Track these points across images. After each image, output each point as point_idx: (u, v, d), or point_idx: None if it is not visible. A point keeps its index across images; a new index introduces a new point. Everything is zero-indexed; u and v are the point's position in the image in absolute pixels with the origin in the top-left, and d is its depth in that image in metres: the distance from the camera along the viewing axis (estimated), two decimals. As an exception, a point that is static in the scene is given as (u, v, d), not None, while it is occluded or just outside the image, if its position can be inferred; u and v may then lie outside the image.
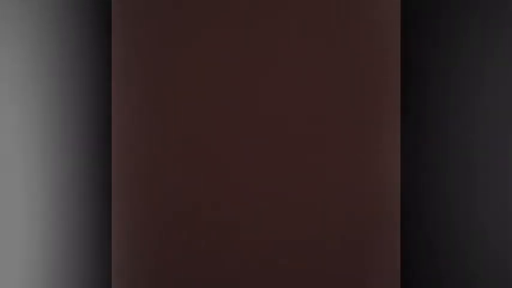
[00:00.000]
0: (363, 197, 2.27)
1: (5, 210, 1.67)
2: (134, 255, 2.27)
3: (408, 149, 2.27)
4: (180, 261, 2.27)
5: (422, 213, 2.24)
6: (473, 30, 2.08)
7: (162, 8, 2.27)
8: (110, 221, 2.25)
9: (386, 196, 2.28)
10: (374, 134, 2.27)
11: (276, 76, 2.28)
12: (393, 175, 2.28)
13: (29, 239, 1.78)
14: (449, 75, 2.17)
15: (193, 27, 2.27)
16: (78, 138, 2.04)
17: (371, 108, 2.28)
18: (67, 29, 1.98)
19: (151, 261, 2.27)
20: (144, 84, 2.27)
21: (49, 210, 1.88)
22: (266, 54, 2.27)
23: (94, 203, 2.15)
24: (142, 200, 2.27)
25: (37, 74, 1.81)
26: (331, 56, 2.27)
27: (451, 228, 2.16)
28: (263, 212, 2.27)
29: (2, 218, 1.65)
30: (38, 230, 1.82)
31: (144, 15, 2.28)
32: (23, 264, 1.75)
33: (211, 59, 2.27)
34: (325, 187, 2.27)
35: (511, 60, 1.95)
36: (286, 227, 2.28)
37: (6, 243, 1.67)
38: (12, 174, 1.70)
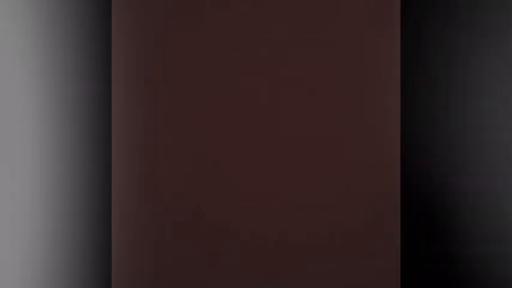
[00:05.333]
0: (363, 196, 2.28)
1: (5, 210, 1.67)
2: (134, 255, 2.27)
3: (408, 148, 2.27)
4: (180, 262, 2.27)
5: (423, 212, 2.24)
6: (473, 29, 2.08)
7: (162, 8, 2.27)
8: (110, 221, 2.25)
9: (387, 196, 2.28)
10: (374, 133, 2.28)
11: (276, 77, 2.28)
12: (393, 174, 2.28)
13: (28, 240, 1.78)
14: (450, 74, 2.17)
15: (194, 27, 2.27)
16: (78, 138, 2.04)
17: (371, 107, 2.28)
18: (67, 29, 1.98)
19: (151, 261, 2.27)
20: (144, 84, 2.27)
21: (49, 210, 1.88)
22: (267, 54, 2.27)
23: (94, 203, 2.15)
24: (142, 200, 2.27)
25: (37, 74, 1.82)
26: (330, 56, 2.28)
27: (451, 227, 2.16)
28: (263, 211, 2.27)
29: (2, 218, 1.66)
30: (37, 230, 1.82)
31: (144, 15, 2.28)
32: (23, 265, 1.75)
33: (212, 59, 2.27)
34: (326, 187, 2.27)
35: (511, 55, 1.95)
36: (286, 226, 2.28)
37: (5, 243, 1.67)
38: (12, 175, 1.70)
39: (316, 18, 2.27)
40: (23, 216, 1.75)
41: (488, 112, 2.03)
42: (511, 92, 1.96)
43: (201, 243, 2.27)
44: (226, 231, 2.27)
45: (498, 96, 2.00)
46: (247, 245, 2.27)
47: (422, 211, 2.24)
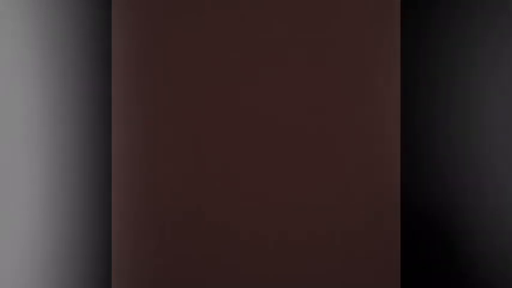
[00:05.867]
0: (363, 196, 2.28)
1: (5, 209, 1.67)
2: (134, 255, 2.27)
3: (408, 148, 2.27)
4: (180, 262, 2.27)
5: (423, 212, 2.24)
6: (474, 29, 2.08)
7: (162, 8, 2.27)
8: (110, 221, 2.25)
9: (387, 196, 2.28)
10: (374, 133, 2.28)
11: (276, 77, 2.28)
12: (393, 174, 2.28)
13: (28, 240, 1.78)
14: (450, 74, 2.17)
15: (194, 27, 2.27)
16: (78, 138, 2.04)
17: (371, 106, 2.28)
18: (67, 29, 1.98)
19: (151, 261, 2.27)
20: (144, 84, 2.27)
21: (48, 210, 1.88)
22: (267, 54, 2.27)
23: (94, 203, 2.15)
24: (142, 200, 2.27)
25: (36, 74, 1.82)
26: (330, 56, 2.28)
27: (451, 227, 2.16)
28: (263, 211, 2.27)
29: (2, 218, 1.66)
30: (37, 230, 1.82)
31: (144, 15, 2.28)
32: (23, 265, 1.75)
33: (212, 59, 2.27)
34: (326, 187, 2.27)
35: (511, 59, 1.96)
36: (286, 226, 2.28)
37: (5, 243, 1.67)
38: (12, 175, 1.70)
39: (316, 18, 2.27)
40: (23, 216, 1.75)
41: (489, 112, 2.03)
42: (511, 91, 1.96)
43: (201, 243, 2.27)
44: (226, 231, 2.27)
45: (498, 96, 2.00)
46: (247, 245, 2.27)
47: (422, 211, 2.24)
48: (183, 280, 2.27)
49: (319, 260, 2.27)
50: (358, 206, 2.27)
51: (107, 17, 2.24)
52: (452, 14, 2.14)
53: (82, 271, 2.06)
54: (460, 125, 2.13)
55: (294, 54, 2.27)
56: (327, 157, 2.27)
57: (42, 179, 1.84)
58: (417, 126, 2.25)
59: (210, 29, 2.27)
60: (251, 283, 2.27)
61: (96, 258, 2.16)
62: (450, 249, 2.16)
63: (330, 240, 2.27)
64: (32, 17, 1.79)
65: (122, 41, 2.27)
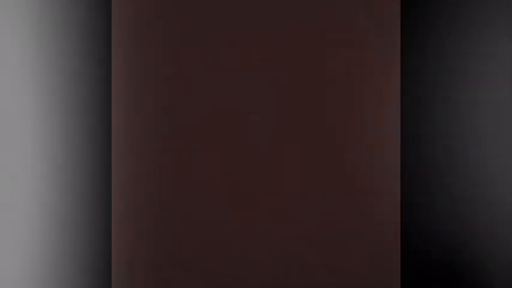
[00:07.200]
0: (363, 196, 2.27)
1: (5, 209, 1.67)
2: (134, 255, 2.27)
3: (408, 148, 2.27)
4: (180, 262, 2.27)
5: (423, 213, 2.24)
6: (474, 29, 2.08)
7: (162, 8, 2.27)
8: (110, 221, 2.25)
9: (387, 196, 2.28)
10: (374, 133, 2.28)
11: (276, 78, 2.28)
12: (393, 174, 2.28)
13: (28, 239, 1.78)
14: (450, 74, 2.17)
15: (194, 27, 2.27)
16: (78, 138, 2.04)
17: (371, 107, 2.28)
18: (66, 29, 1.98)
19: (151, 261, 2.27)
20: (144, 85, 2.27)
21: (49, 209, 1.88)
22: (268, 54, 2.28)
23: (94, 203, 2.15)
24: (142, 200, 2.26)
25: (37, 74, 1.82)
26: (330, 56, 2.28)
27: (452, 227, 2.16)
28: (262, 212, 2.27)
29: (2, 218, 1.65)
30: (38, 229, 1.82)
31: (144, 15, 2.28)
32: (23, 265, 1.75)
33: (213, 59, 2.27)
34: (326, 187, 2.27)
35: (510, 58, 1.96)
36: (285, 227, 2.27)
37: (5, 243, 1.67)
38: (12, 175, 1.70)
39: (315, 18, 2.27)
40: (23, 217, 1.75)
41: (490, 112, 2.04)
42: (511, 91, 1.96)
43: (201, 243, 2.27)
44: (226, 232, 2.27)
45: (499, 97, 2.00)
46: (247, 245, 2.27)
47: (422, 211, 2.24)
48: (183, 280, 2.27)
49: (319, 261, 2.27)
50: (358, 206, 2.27)
51: (107, 17, 2.25)
52: (453, 14, 2.15)
53: (82, 271, 2.06)
54: (460, 125, 2.13)
55: (294, 55, 2.27)
56: (326, 157, 2.27)
57: (42, 179, 1.84)
58: (417, 127, 2.25)
59: (210, 29, 2.27)
60: (251, 284, 2.27)
61: (96, 257, 2.16)
62: (450, 250, 2.16)
63: (330, 240, 2.27)
64: (32, 17, 1.79)
65: (122, 41, 2.27)
